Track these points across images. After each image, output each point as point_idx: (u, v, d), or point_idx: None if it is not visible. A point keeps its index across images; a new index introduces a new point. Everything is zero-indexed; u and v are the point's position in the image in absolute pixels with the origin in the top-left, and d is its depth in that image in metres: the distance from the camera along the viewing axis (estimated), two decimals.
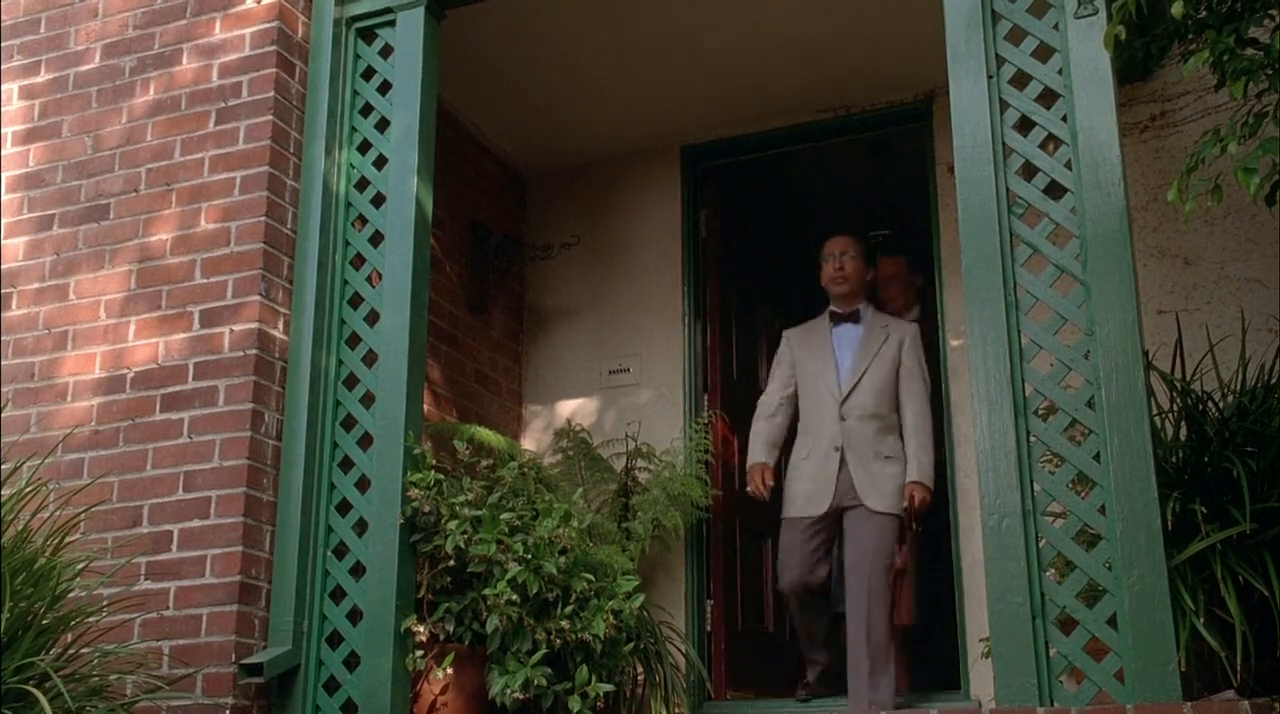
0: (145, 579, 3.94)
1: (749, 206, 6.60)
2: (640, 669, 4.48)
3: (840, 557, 5.09)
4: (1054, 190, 3.59)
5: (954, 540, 5.08)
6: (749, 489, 5.05)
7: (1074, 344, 3.46)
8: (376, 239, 4.30)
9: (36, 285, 4.47)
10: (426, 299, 4.28)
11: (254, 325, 4.11)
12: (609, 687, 3.80)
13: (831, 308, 5.11)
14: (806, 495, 4.87)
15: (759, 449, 5.09)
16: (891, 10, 4.91)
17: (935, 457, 4.85)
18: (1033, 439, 3.42)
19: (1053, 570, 3.35)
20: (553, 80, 5.53)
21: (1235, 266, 4.63)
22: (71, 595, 3.51)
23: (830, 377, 4.97)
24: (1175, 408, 3.69)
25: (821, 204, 7.09)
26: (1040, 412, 3.46)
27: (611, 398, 5.85)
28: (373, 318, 4.24)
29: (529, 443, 5.92)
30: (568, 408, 5.89)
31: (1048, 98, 3.65)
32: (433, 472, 3.98)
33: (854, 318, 5.07)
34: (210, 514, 3.96)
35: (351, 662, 3.90)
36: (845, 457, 4.83)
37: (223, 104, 4.39)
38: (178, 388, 4.14)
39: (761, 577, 5.86)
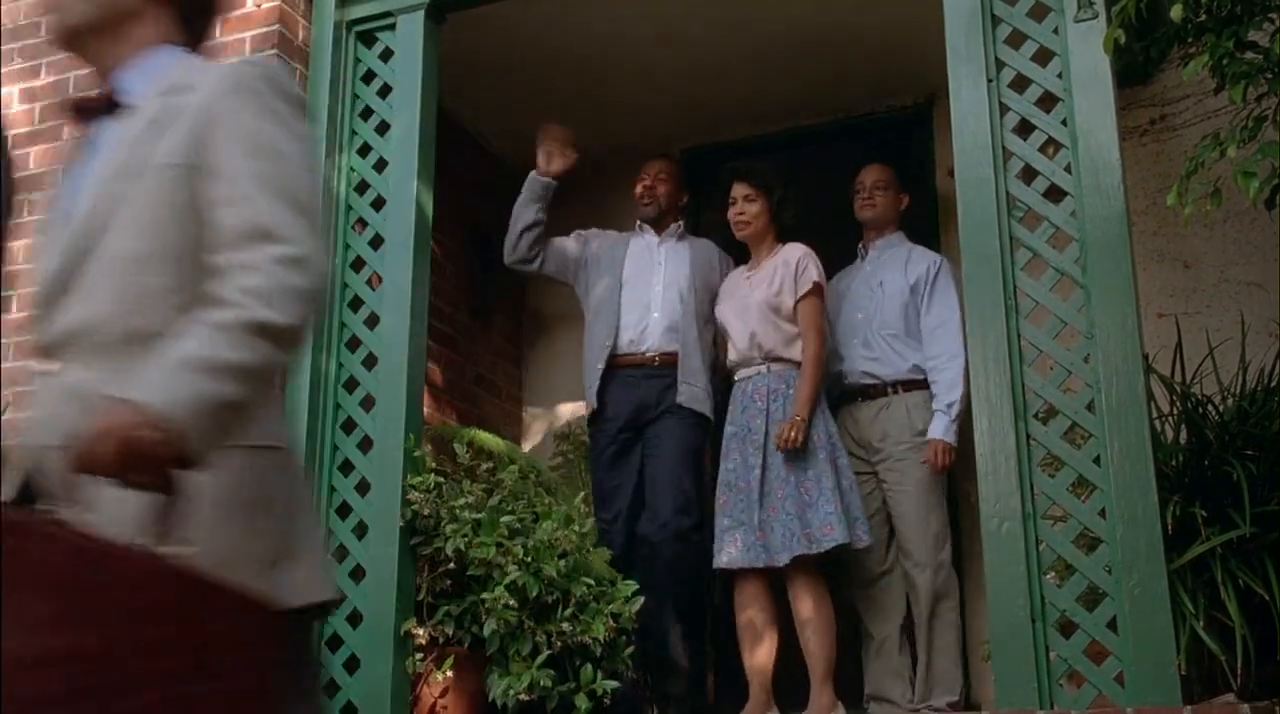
0: None
1: None
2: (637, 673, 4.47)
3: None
4: (1054, 194, 3.59)
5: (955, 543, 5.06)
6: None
7: (1074, 348, 3.46)
8: (377, 242, 4.30)
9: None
10: (427, 302, 4.27)
11: None
12: (615, 683, 3.79)
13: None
14: None
15: None
16: (890, 14, 4.91)
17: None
18: (1033, 442, 3.42)
19: (1053, 574, 3.35)
20: (553, 84, 5.53)
21: (1235, 270, 4.63)
22: None
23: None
24: (1175, 411, 3.69)
25: (821, 206, 7.06)
26: (1040, 415, 3.46)
27: None
28: (373, 321, 4.23)
29: (529, 446, 5.92)
30: (568, 411, 5.89)
31: (1048, 101, 3.65)
32: (433, 475, 3.97)
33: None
34: None
35: (351, 665, 3.89)
36: None
37: None
38: None
39: None
